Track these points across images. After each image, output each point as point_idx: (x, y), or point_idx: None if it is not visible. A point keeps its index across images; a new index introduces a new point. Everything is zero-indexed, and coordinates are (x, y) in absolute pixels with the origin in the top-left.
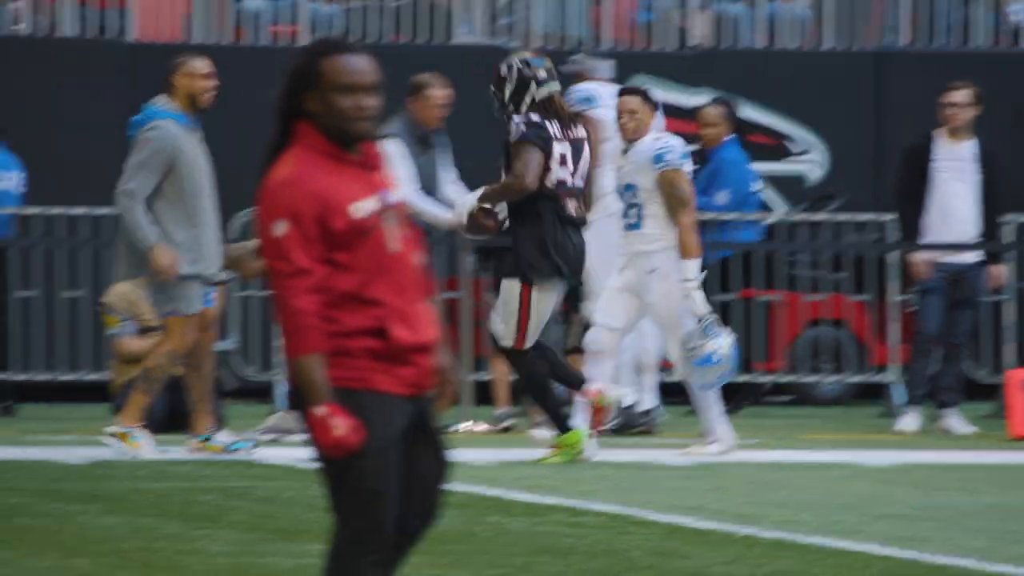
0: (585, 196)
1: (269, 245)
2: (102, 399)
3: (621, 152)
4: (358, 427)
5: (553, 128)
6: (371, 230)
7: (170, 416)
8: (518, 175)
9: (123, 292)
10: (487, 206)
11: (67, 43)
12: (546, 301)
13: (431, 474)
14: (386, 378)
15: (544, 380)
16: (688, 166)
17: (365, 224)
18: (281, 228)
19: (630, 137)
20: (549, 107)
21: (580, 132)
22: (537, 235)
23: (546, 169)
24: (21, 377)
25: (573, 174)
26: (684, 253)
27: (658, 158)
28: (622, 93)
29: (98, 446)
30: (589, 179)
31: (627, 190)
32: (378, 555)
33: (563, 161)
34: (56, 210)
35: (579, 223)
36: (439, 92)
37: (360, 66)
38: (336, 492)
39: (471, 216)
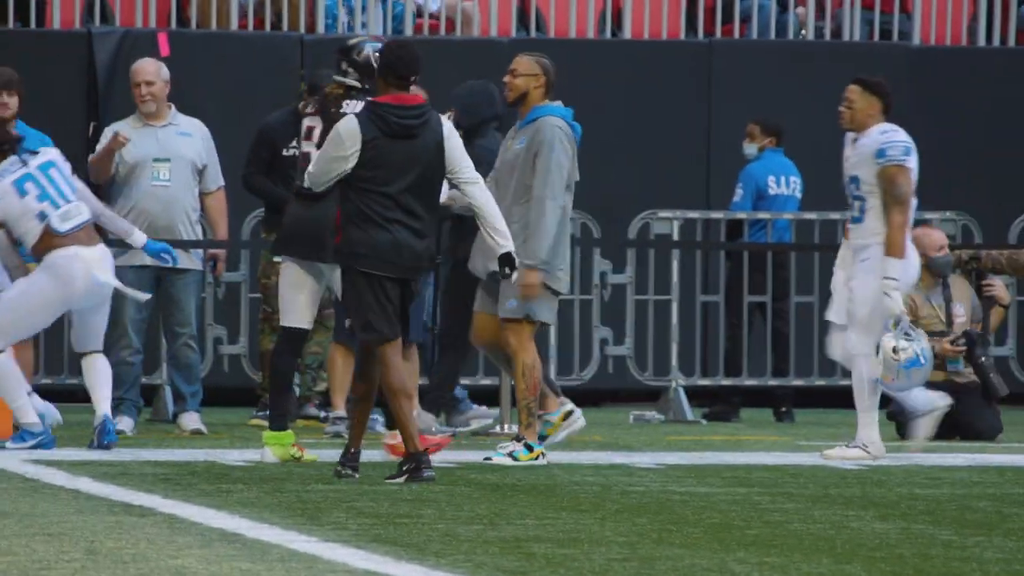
0: None
1: None
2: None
3: (851, 142)
4: None
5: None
6: None
7: None
8: None
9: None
10: None
11: (850, 47)
12: (290, 275)
13: None
14: None
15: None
16: (912, 162)
17: None
18: None
19: (846, 127)
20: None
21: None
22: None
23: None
24: (798, 382)
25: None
26: (889, 251)
27: (880, 152)
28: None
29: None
30: None
31: (851, 182)
32: None
33: (308, 135)
34: (834, 215)
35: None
36: None
37: None
38: None
39: None
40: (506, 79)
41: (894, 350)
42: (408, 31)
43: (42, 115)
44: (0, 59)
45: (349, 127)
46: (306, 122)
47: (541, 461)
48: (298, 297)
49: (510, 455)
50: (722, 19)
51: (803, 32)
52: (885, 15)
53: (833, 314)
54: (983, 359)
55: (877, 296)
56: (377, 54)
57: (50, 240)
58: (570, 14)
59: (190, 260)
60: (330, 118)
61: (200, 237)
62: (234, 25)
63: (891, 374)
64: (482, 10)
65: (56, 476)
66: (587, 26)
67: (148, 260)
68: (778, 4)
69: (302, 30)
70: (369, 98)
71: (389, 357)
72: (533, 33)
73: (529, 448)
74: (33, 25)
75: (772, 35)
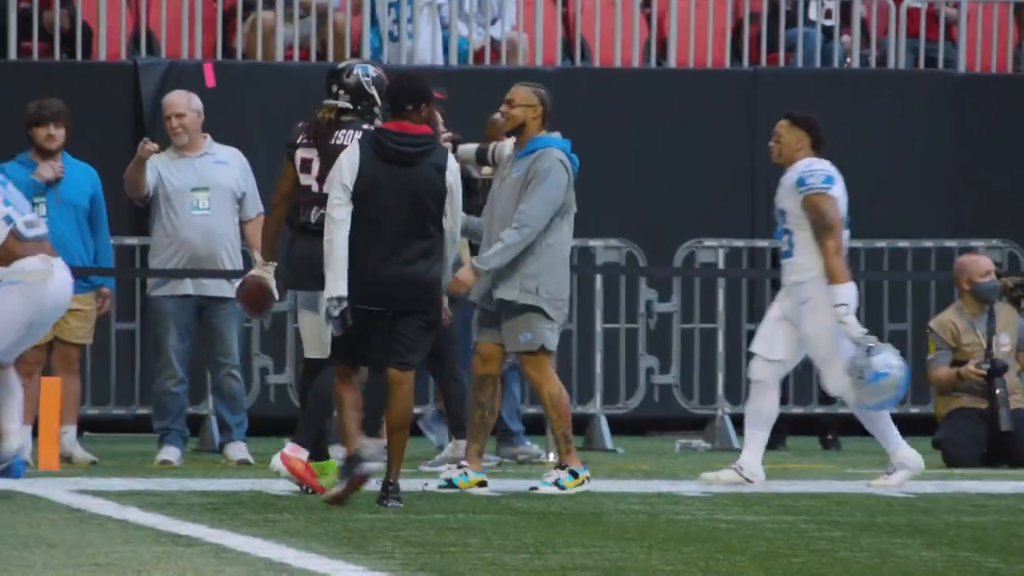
0: None
1: None
2: (924, 431)
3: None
4: None
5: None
6: None
7: None
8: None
9: (944, 321)
10: None
11: (895, 74)
12: (306, 308)
13: None
14: None
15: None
16: (836, 190)
17: None
18: None
19: (775, 161)
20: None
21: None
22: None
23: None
24: (844, 410)
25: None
26: (832, 279)
27: (800, 182)
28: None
29: (920, 480)
30: None
31: (780, 216)
32: None
33: (305, 167)
34: (880, 243)
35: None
36: None
37: None
38: None
39: None
40: (503, 109)
41: (858, 373)
42: (453, 60)
43: (88, 147)
44: (47, 91)
45: (350, 152)
46: (300, 154)
47: (587, 486)
48: (315, 329)
49: (556, 483)
50: (767, 47)
51: (848, 60)
52: (930, 43)
53: (756, 344)
54: (999, 390)
55: (832, 330)
56: (367, 77)
57: (15, 246)
58: (615, 43)
59: (231, 289)
60: (325, 149)
61: (242, 266)
62: (279, 56)
63: (862, 394)
64: (528, 39)
65: (103, 506)
66: (632, 55)
67: (190, 290)
68: (823, 32)
69: (349, 60)
70: (363, 124)
71: (394, 387)
72: (578, 62)
73: (574, 475)
74: (79, 57)
75: (817, 63)
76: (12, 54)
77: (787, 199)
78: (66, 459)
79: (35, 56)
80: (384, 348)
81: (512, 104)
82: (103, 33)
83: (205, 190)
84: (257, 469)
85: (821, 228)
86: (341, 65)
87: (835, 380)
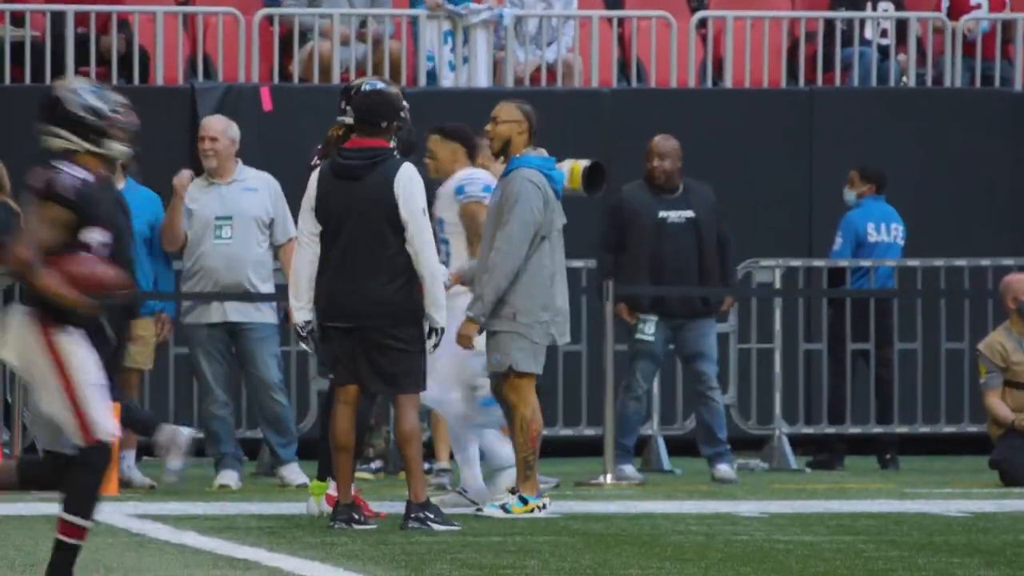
0: None
1: None
2: (983, 451)
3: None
4: None
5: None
6: None
7: None
8: None
9: (992, 343)
10: None
11: (951, 93)
12: None
13: None
14: None
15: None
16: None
17: None
18: None
19: (432, 177)
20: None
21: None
22: None
23: None
24: (903, 429)
25: None
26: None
27: (459, 190)
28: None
29: (978, 499)
30: None
31: (439, 225)
32: None
33: None
34: (938, 262)
35: None
36: None
37: None
38: None
39: None
40: (488, 127)
41: (474, 388)
42: (509, 82)
43: (147, 171)
44: None
45: (314, 174)
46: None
47: (538, 514)
48: None
49: (503, 507)
50: (823, 67)
51: (904, 79)
52: (987, 61)
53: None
54: None
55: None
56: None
57: None
58: (671, 63)
59: (260, 314)
60: None
61: (272, 290)
62: (336, 79)
63: (472, 412)
64: (583, 60)
65: (161, 531)
66: (688, 75)
67: (216, 317)
68: (879, 51)
69: (403, 83)
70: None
71: (336, 403)
72: (634, 83)
73: (524, 500)
74: (137, 81)
75: (873, 82)
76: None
77: (446, 209)
78: (125, 484)
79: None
80: (372, 375)
81: (497, 121)
82: (160, 57)
83: (228, 219)
84: None
85: (477, 237)
86: (354, 82)
87: (433, 392)
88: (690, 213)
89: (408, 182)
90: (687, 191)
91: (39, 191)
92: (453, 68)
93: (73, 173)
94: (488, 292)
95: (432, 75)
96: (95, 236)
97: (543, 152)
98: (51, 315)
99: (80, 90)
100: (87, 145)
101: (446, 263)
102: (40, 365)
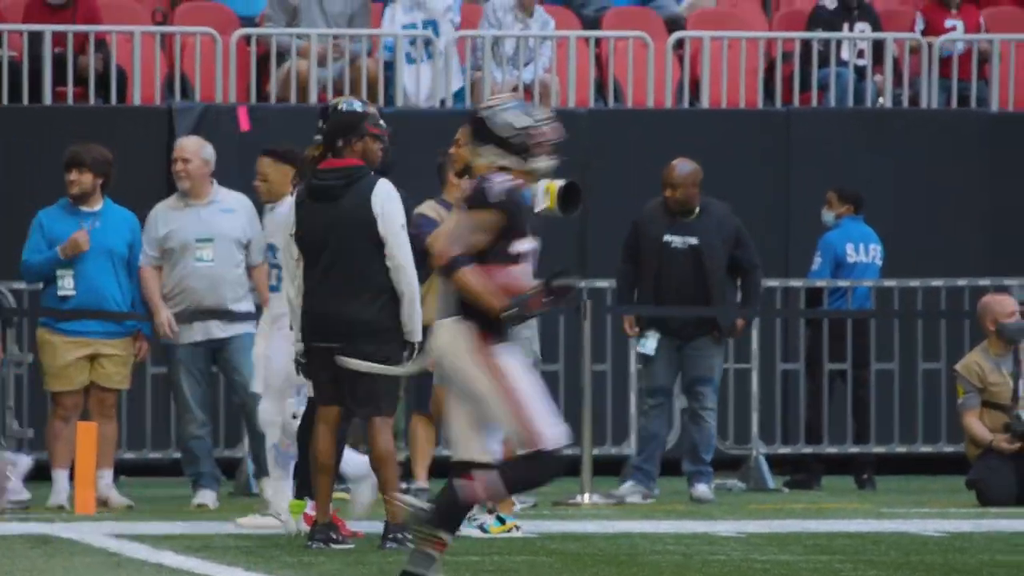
0: None
1: None
2: (959, 471)
3: (269, 211)
4: None
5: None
6: None
7: None
8: None
9: (970, 363)
10: None
11: (928, 114)
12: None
13: None
14: None
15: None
16: None
17: None
18: None
19: (264, 200)
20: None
21: None
22: None
23: None
24: (880, 450)
25: None
26: None
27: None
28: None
29: (955, 519)
30: None
31: (268, 250)
32: None
33: None
34: (914, 282)
35: None
36: None
37: None
38: None
39: None
40: (452, 150)
41: (294, 415)
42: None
43: (122, 191)
44: (82, 135)
45: (291, 198)
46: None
47: (515, 533)
48: None
49: (480, 527)
50: (800, 87)
51: (881, 100)
52: (963, 82)
53: (256, 385)
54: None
55: (290, 363)
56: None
57: None
58: (648, 84)
59: (242, 326)
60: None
61: (252, 306)
62: (314, 99)
63: (288, 439)
64: (561, 80)
65: (139, 550)
66: (665, 96)
67: (199, 336)
68: (856, 72)
69: (380, 103)
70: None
71: (316, 423)
72: (611, 103)
73: (501, 520)
74: (114, 101)
75: (850, 103)
76: (47, 99)
77: (277, 234)
78: (102, 503)
79: (70, 100)
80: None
81: (459, 144)
82: (137, 77)
83: (210, 241)
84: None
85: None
86: (332, 102)
87: (269, 411)
88: (694, 240)
89: (386, 199)
90: (701, 215)
91: (469, 199)
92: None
93: (502, 179)
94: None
95: (406, 94)
96: (524, 245)
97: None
98: (485, 327)
99: (506, 108)
100: (513, 163)
101: (277, 288)
102: (473, 376)
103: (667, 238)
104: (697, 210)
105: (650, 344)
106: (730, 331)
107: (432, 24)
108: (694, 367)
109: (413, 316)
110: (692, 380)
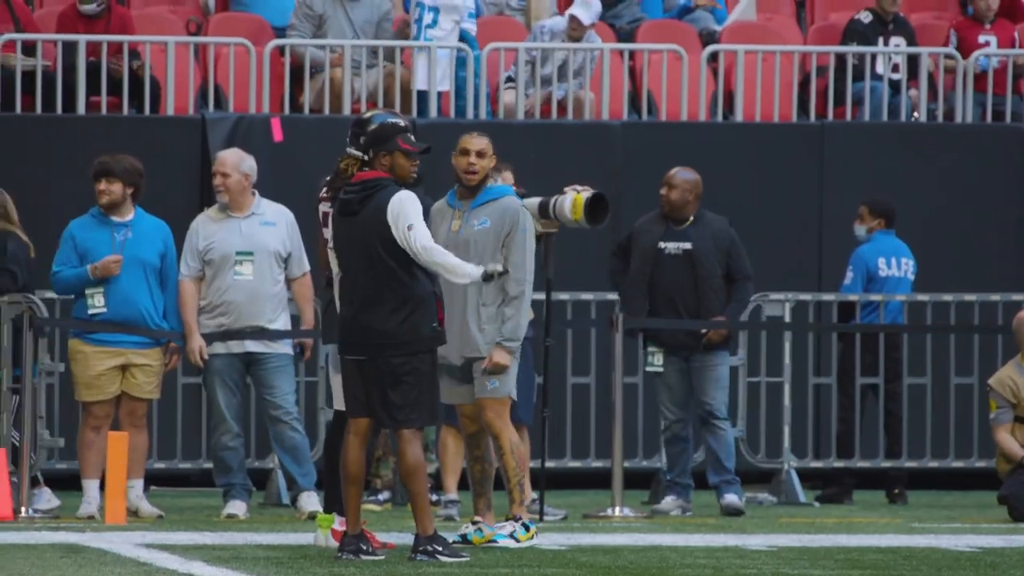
0: None
1: None
2: (991, 486)
3: None
4: None
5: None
6: None
7: None
8: None
9: (1003, 377)
10: None
11: (962, 128)
12: (335, 361)
13: None
14: None
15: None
16: None
17: None
18: None
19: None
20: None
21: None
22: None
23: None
24: (912, 464)
25: None
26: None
27: None
28: None
29: (987, 534)
30: None
31: None
32: None
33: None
34: (947, 297)
35: None
36: None
37: None
38: None
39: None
40: (472, 160)
41: None
42: (520, 115)
43: (157, 201)
44: (115, 145)
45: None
46: (322, 208)
47: (536, 541)
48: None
49: (511, 536)
50: (834, 101)
51: (915, 114)
52: (998, 97)
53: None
54: None
55: None
56: None
57: None
58: (682, 97)
59: (278, 344)
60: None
61: (288, 322)
62: (347, 110)
63: None
64: (595, 93)
65: (169, 560)
66: (699, 109)
67: (234, 348)
68: (890, 86)
69: (414, 114)
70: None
71: (347, 435)
72: (645, 117)
73: (526, 527)
74: (148, 111)
75: (884, 117)
76: (81, 108)
77: None
78: (133, 513)
79: (104, 110)
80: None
81: (483, 155)
82: (171, 87)
83: (250, 255)
84: None
85: None
86: (367, 115)
87: None
88: (687, 245)
89: (398, 204)
90: (697, 223)
91: None
92: (462, 92)
93: None
94: (523, 320)
95: (440, 106)
96: None
97: (508, 179)
98: None
99: None
100: None
101: None
102: None
103: (662, 244)
104: (692, 219)
105: (656, 360)
106: (716, 340)
107: (463, 33)
108: (699, 379)
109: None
110: (700, 393)
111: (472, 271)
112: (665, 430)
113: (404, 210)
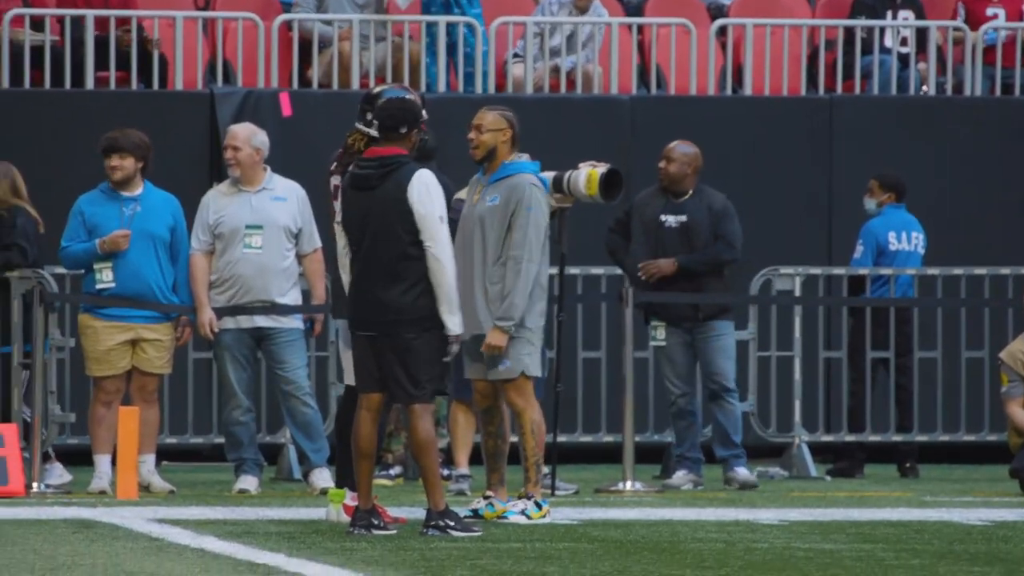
0: None
1: None
2: (1002, 459)
3: None
4: None
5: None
6: None
7: None
8: None
9: (1014, 351)
10: None
11: (971, 102)
12: (345, 336)
13: None
14: None
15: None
16: None
17: None
18: None
19: None
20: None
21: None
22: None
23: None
24: (922, 438)
25: None
26: None
27: None
28: None
29: (999, 508)
30: None
31: None
32: None
33: (336, 194)
34: (957, 270)
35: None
36: None
37: None
38: None
39: None
40: (471, 136)
41: None
42: (529, 89)
43: (165, 175)
44: (124, 120)
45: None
46: (333, 181)
47: (548, 519)
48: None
49: (523, 513)
50: (843, 75)
51: (924, 88)
52: (1006, 70)
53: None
54: None
55: None
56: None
57: None
58: (690, 71)
59: (288, 319)
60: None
61: (299, 297)
62: (355, 85)
63: None
64: (603, 67)
65: (181, 535)
66: (708, 83)
67: (243, 323)
68: (899, 60)
69: (423, 89)
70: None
71: (358, 410)
72: (654, 91)
73: (539, 505)
74: (156, 86)
75: (893, 91)
76: (89, 83)
77: None
78: (144, 488)
79: (112, 85)
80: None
81: (481, 130)
82: (179, 62)
83: (259, 228)
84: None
85: None
86: (376, 90)
87: None
88: (684, 218)
89: (423, 188)
90: (695, 197)
91: None
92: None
93: None
94: (519, 300)
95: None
96: None
97: (527, 157)
98: None
99: None
100: None
101: None
102: None
103: (662, 217)
104: (691, 192)
105: (659, 334)
106: (724, 312)
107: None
108: (704, 351)
109: (450, 309)
110: (706, 367)
111: (453, 324)
112: (671, 404)
113: (432, 199)
